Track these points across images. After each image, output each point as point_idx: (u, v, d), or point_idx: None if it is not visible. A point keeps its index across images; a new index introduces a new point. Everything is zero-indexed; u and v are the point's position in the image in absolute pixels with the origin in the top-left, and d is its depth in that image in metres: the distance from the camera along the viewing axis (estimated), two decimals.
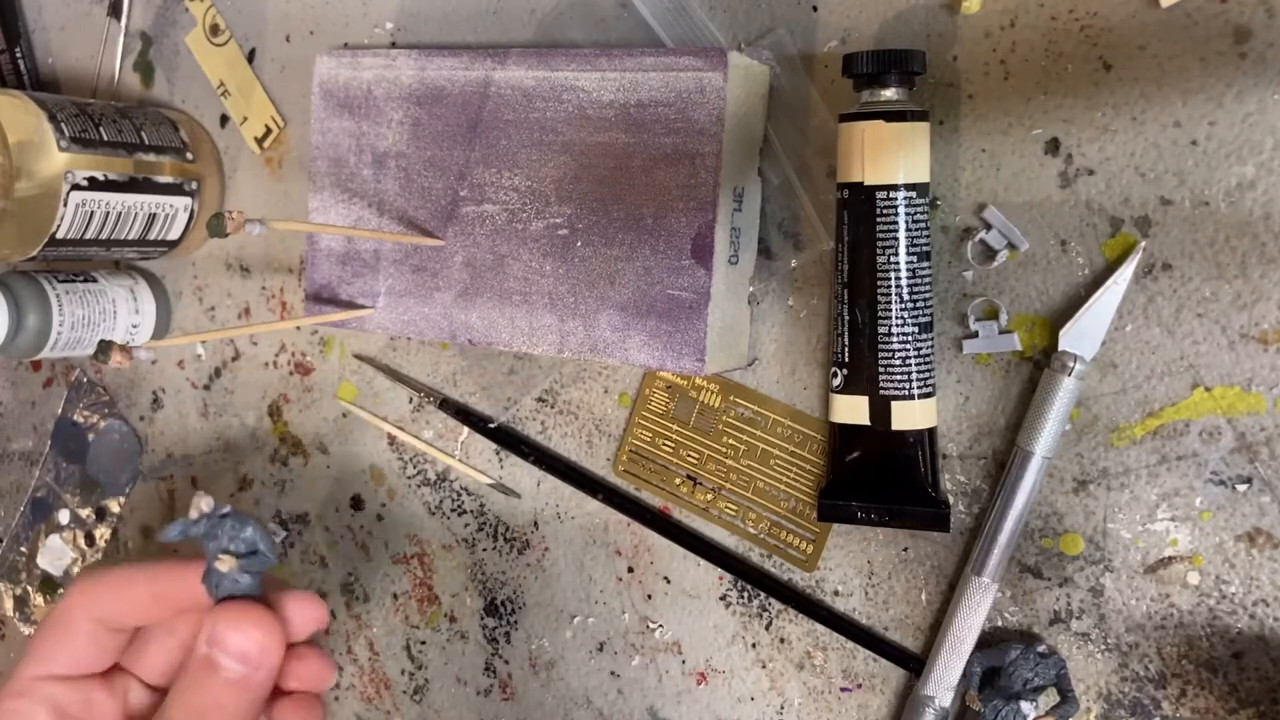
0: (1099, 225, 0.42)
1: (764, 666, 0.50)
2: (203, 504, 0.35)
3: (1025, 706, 0.43)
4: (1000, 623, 0.45)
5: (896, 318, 0.43)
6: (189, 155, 0.59)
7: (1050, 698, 0.44)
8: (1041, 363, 0.43)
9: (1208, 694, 0.42)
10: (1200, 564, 0.41)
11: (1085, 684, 0.44)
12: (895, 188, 0.42)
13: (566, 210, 0.47)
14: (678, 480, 0.50)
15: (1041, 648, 0.43)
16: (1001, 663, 0.44)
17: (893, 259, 0.42)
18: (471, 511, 0.57)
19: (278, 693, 0.37)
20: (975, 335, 0.44)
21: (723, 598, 0.50)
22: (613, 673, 0.54)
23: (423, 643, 0.59)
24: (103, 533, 0.69)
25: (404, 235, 0.50)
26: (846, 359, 0.44)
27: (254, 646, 0.34)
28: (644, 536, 0.52)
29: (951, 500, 0.45)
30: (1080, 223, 0.42)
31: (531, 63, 0.47)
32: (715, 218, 0.44)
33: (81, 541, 0.70)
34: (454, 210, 0.50)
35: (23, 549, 0.72)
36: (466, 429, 0.56)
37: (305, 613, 0.37)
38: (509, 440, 0.54)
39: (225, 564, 0.35)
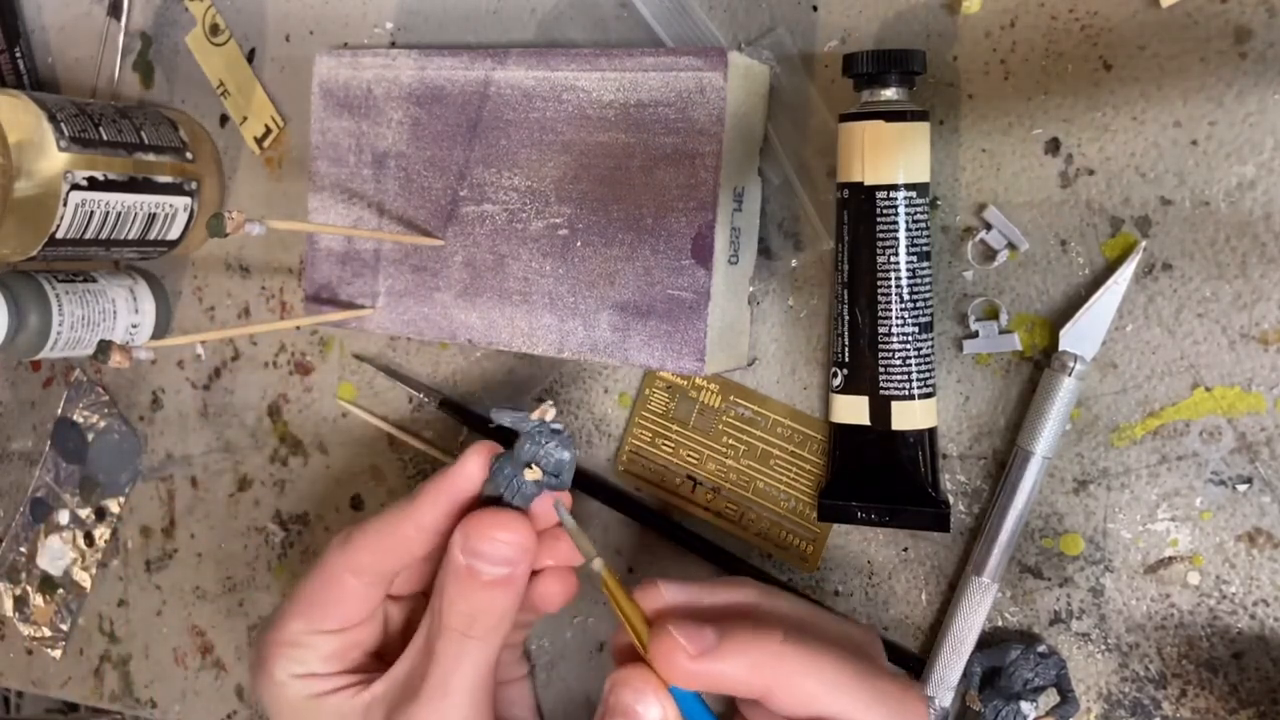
0: (1099, 225, 0.42)
1: None
2: (549, 413, 0.39)
3: (1025, 707, 0.43)
4: (1000, 623, 0.45)
5: (896, 318, 0.43)
6: (188, 155, 0.59)
7: (1050, 698, 0.44)
8: (1042, 363, 0.43)
9: (1208, 694, 0.42)
10: (1200, 564, 0.41)
11: (1085, 684, 0.44)
12: (895, 188, 0.42)
13: (566, 210, 0.47)
14: (678, 480, 0.50)
15: (1042, 648, 0.43)
16: (1002, 663, 0.44)
17: (893, 259, 0.42)
18: None
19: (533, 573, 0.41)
20: (975, 335, 0.44)
21: None
22: None
23: None
24: (102, 533, 0.69)
25: (404, 235, 0.50)
26: (846, 359, 0.44)
27: (510, 550, 0.38)
28: (644, 536, 0.52)
29: (951, 500, 0.45)
30: (1080, 223, 0.42)
31: (531, 63, 0.47)
32: (715, 218, 0.44)
33: (81, 541, 0.70)
34: (454, 210, 0.50)
35: (22, 549, 0.72)
36: (466, 429, 0.56)
37: (549, 504, 0.40)
38: (509, 440, 0.54)
39: (533, 474, 0.38)
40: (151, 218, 0.58)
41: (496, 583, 0.38)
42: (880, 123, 0.42)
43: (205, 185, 0.60)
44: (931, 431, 0.44)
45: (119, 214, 0.56)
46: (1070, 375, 0.41)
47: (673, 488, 0.51)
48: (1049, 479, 0.43)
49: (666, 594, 0.36)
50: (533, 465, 0.38)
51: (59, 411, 0.70)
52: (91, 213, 0.55)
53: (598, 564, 0.36)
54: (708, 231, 0.44)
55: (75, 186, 0.54)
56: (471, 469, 0.39)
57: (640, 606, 0.35)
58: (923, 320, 0.43)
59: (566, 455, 0.38)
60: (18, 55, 0.67)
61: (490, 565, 0.38)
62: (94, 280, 0.61)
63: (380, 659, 0.44)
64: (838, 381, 0.44)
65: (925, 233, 0.43)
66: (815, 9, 0.46)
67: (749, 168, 0.46)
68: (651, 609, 0.35)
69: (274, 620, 0.43)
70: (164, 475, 0.66)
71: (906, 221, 0.42)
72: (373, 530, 0.40)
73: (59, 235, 0.54)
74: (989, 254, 0.44)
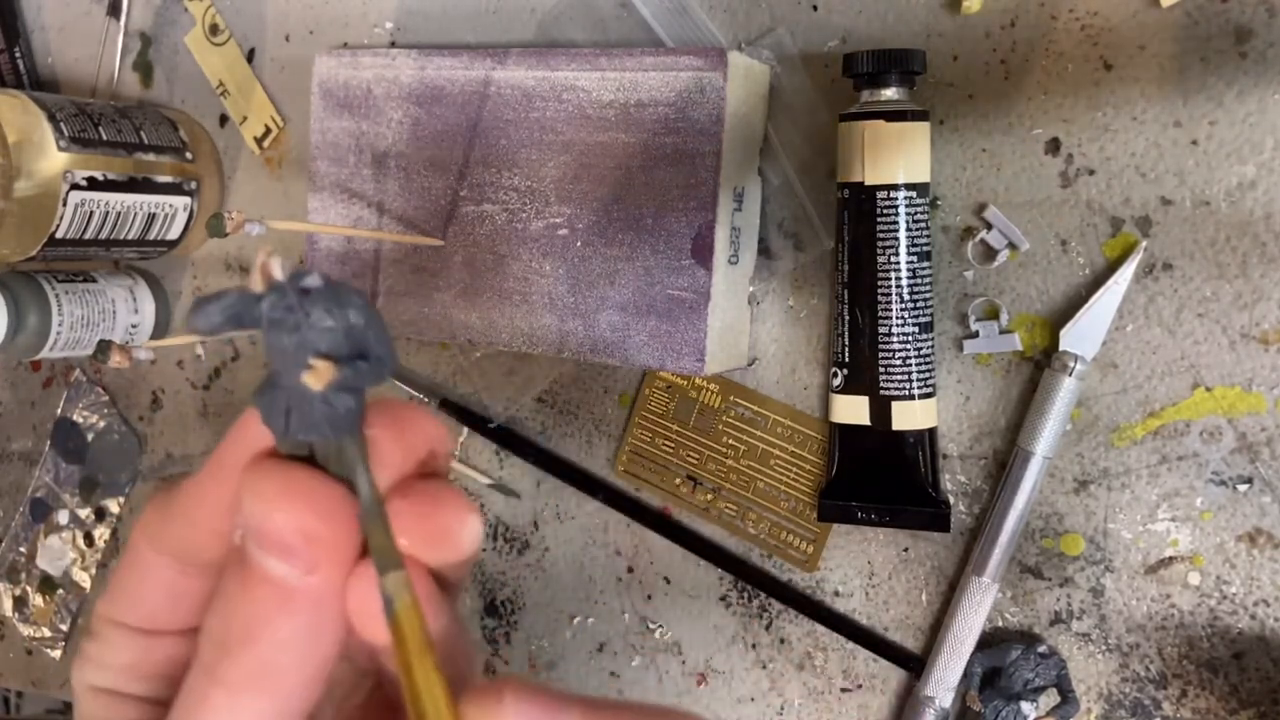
0: (1100, 225, 0.42)
1: (764, 667, 0.50)
2: (274, 267, 0.19)
3: (1026, 707, 0.43)
4: (1001, 623, 0.45)
5: (897, 318, 0.42)
6: (188, 155, 0.59)
7: (1051, 698, 0.44)
8: (1042, 363, 0.43)
9: (1208, 694, 0.42)
10: (1201, 564, 0.41)
11: (1086, 684, 0.44)
12: (896, 187, 0.42)
13: (566, 210, 0.47)
14: (678, 480, 0.50)
15: (1042, 648, 0.43)
16: (1002, 663, 0.44)
17: (893, 259, 0.42)
18: None
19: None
20: (976, 335, 0.44)
21: (723, 598, 0.50)
22: (613, 673, 0.53)
23: None
24: (102, 533, 0.69)
25: (404, 235, 0.50)
26: (847, 359, 0.44)
27: (298, 536, 0.20)
28: (644, 536, 0.52)
29: (952, 500, 0.45)
30: (1081, 222, 0.42)
31: (531, 62, 0.47)
32: (715, 217, 0.44)
33: (81, 542, 0.70)
34: (454, 210, 0.50)
35: (22, 549, 0.72)
36: (466, 429, 0.56)
37: (404, 439, 0.22)
38: (509, 440, 0.54)
39: (320, 376, 0.19)
40: (151, 218, 0.58)
41: (282, 590, 0.21)
42: (880, 122, 0.42)
43: (205, 185, 0.60)
44: (932, 431, 0.44)
45: (119, 214, 0.56)
46: (1070, 375, 0.41)
47: (673, 488, 0.50)
48: (1049, 479, 0.43)
49: (512, 716, 0.19)
50: (312, 363, 0.19)
51: (59, 411, 0.70)
52: (91, 213, 0.55)
53: (392, 583, 0.20)
54: (708, 231, 0.44)
55: (75, 186, 0.54)
56: (251, 418, 0.22)
57: (447, 695, 0.19)
58: (923, 320, 0.43)
59: (351, 311, 0.20)
60: (18, 55, 0.67)
61: (273, 557, 0.21)
62: (94, 280, 0.61)
63: None
64: (838, 381, 0.44)
65: (925, 233, 0.43)
66: (815, 9, 0.46)
67: (749, 168, 0.46)
68: None
69: None
70: (164, 475, 0.66)
71: (907, 221, 0.42)
72: (174, 490, 0.25)
73: (59, 235, 0.54)
74: (989, 254, 0.44)
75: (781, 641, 0.49)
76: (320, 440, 0.20)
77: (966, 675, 0.44)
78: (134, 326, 0.62)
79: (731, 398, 0.49)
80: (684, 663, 0.52)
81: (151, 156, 0.58)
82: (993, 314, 0.44)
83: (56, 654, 0.71)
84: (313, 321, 0.19)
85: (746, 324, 0.48)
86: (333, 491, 0.21)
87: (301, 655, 0.21)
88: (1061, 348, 0.42)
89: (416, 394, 0.56)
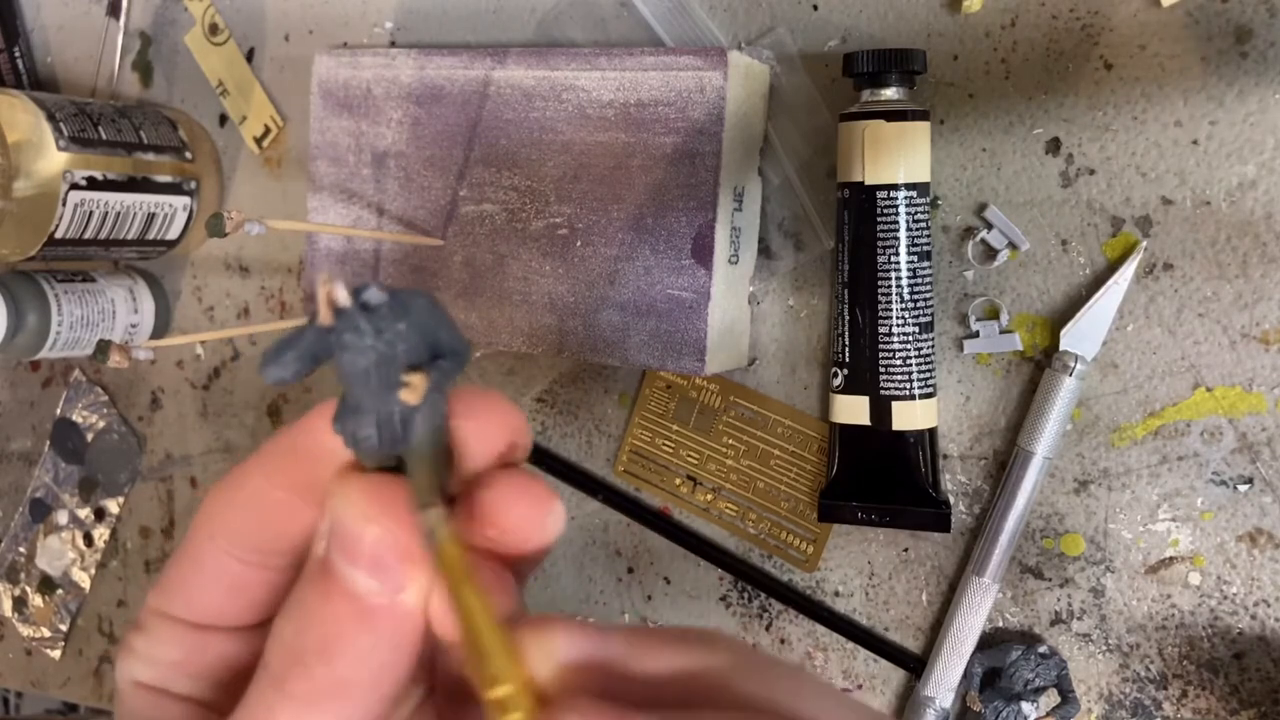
0: (1100, 225, 0.42)
1: None
2: (338, 293, 0.19)
3: (1026, 707, 0.43)
4: (1001, 623, 0.45)
5: (897, 318, 0.42)
6: (188, 155, 0.59)
7: (1051, 698, 0.44)
8: (1042, 363, 0.43)
9: (1209, 695, 0.42)
10: (1201, 564, 0.41)
11: (1086, 685, 0.44)
12: (896, 187, 0.42)
13: (566, 210, 0.47)
14: (678, 480, 0.50)
15: (1042, 648, 0.43)
16: (1002, 663, 0.44)
17: (893, 259, 0.42)
18: None
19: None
20: (976, 335, 0.44)
21: (723, 598, 0.50)
22: None
23: None
24: (101, 533, 0.69)
25: (403, 235, 0.50)
26: (847, 359, 0.44)
27: (393, 553, 0.20)
28: (644, 536, 0.52)
29: (952, 500, 0.45)
30: (1081, 222, 0.42)
31: (531, 62, 0.47)
32: (715, 217, 0.44)
33: (80, 542, 0.69)
34: (453, 210, 0.50)
35: (21, 549, 0.72)
36: None
37: (486, 430, 0.21)
38: None
39: (416, 390, 0.19)
40: (151, 217, 0.58)
41: (366, 606, 0.20)
42: (881, 122, 0.42)
43: (204, 185, 0.60)
44: (932, 431, 0.44)
45: (118, 214, 0.56)
46: (1071, 375, 0.41)
47: (673, 488, 0.50)
48: (1050, 479, 0.43)
49: (563, 644, 0.20)
50: (405, 379, 0.19)
51: (58, 411, 0.70)
52: (90, 213, 0.55)
53: (433, 518, 0.20)
54: (708, 231, 0.44)
55: (74, 186, 0.54)
56: (316, 421, 0.22)
57: (502, 634, 0.20)
58: (923, 320, 0.43)
59: (420, 316, 0.20)
60: (17, 55, 0.67)
61: (360, 570, 0.20)
62: (93, 280, 0.61)
63: None
64: (838, 381, 0.44)
65: (926, 232, 0.42)
66: (815, 8, 0.46)
67: (749, 167, 0.46)
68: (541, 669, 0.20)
69: None
70: (163, 475, 0.66)
71: (907, 221, 0.42)
72: (238, 473, 0.24)
73: (58, 235, 0.54)
74: (990, 254, 0.44)
75: (781, 641, 0.49)
76: (414, 449, 0.20)
77: (966, 675, 0.44)
78: (133, 326, 0.62)
79: (731, 398, 0.49)
80: None
81: (151, 156, 0.58)
82: (993, 314, 0.44)
83: (56, 654, 0.71)
84: (390, 338, 0.19)
85: (746, 324, 0.48)
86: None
87: (377, 672, 0.21)
88: (1062, 348, 0.42)
89: None
